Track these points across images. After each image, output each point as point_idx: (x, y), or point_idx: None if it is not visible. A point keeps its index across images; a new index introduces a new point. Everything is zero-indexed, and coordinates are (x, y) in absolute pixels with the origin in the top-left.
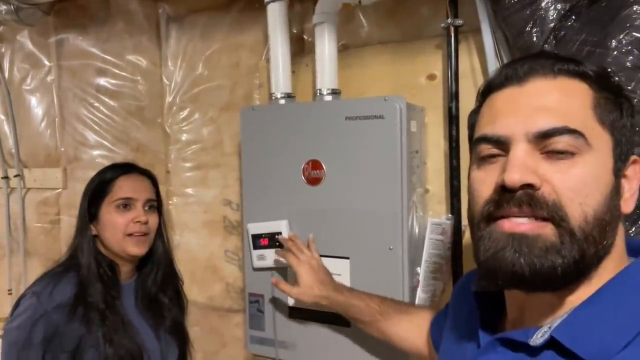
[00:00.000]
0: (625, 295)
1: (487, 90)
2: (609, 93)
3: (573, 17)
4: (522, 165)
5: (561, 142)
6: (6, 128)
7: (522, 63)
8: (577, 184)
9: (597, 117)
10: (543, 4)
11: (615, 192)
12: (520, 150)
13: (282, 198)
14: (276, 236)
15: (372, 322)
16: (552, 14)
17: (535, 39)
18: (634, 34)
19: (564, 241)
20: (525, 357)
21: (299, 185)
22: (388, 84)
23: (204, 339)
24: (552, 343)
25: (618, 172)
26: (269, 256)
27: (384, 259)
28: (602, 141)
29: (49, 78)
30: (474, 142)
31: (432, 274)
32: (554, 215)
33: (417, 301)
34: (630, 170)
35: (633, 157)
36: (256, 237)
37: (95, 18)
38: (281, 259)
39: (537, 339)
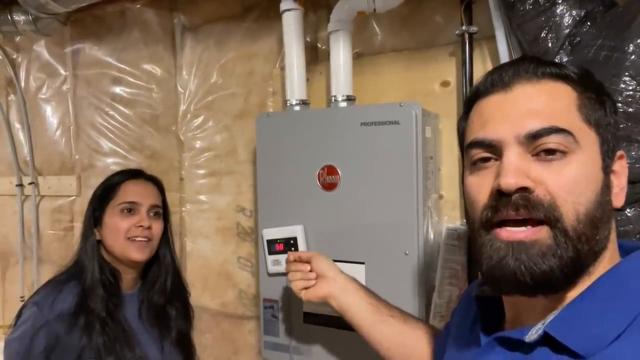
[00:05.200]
0: (616, 290)
1: (474, 97)
2: (592, 93)
3: (588, 22)
4: (516, 169)
5: (551, 142)
6: (21, 136)
7: (507, 69)
8: (570, 184)
9: (583, 116)
10: (558, 11)
11: (606, 188)
12: (513, 154)
13: (298, 203)
14: (291, 241)
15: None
16: (567, 20)
17: (550, 45)
18: None
19: (559, 242)
20: (522, 355)
21: (314, 191)
22: (402, 91)
23: (216, 346)
24: (546, 339)
25: (607, 169)
26: (284, 261)
27: (400, 264)
28: (589, 140)
29: (64, 87)
30: (466, 147)
31: (447, 280)
32: (550, 216)
33: (432, 307)
34: (617, 166)
35: (619, 153)
36: (271, 243)
37: (111, 28)
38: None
39: (532, 335)
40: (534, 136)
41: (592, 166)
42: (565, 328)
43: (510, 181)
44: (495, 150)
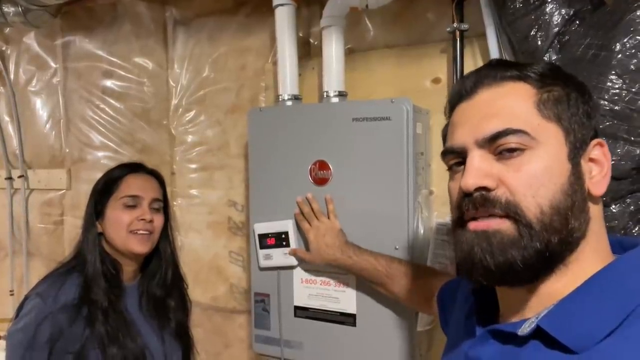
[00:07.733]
0: (611, 286)
1: (451, 107)
2: (553, 87)
3: (577, 21)
4: (476, 171)
5: (508, 142)
6: (11, 129)
7: (471, 77)
8: (529, 179)
9: (542, 112)
10: (547, 9)
11: (575, 177)
12: (474, 157)
13: (289, 198)
14: (283, 235)
15: (379, 283)
16: (556, 18)
17: (539, 43)
18: (638, 37)
19: (523, 234)
20: (514, 348)
21: (306, 186)
22: (393, 88)
23: (208, 340)
24: (538, 333)
25: (575, 159)
26: (276, 256)
27: None
28: (549, 133)
29: (54, 80)
30: (440, 155)
31: None
32: (509, 212)
33: None
34: (597, 154)
35: (596, 141)
36: (263, 237)
37: (102, 21)
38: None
39: (525, 329)
40: (491, 139)
41: (555, 159)
42: (558, 323)
43: (468, 181)
44: (462, 155)
